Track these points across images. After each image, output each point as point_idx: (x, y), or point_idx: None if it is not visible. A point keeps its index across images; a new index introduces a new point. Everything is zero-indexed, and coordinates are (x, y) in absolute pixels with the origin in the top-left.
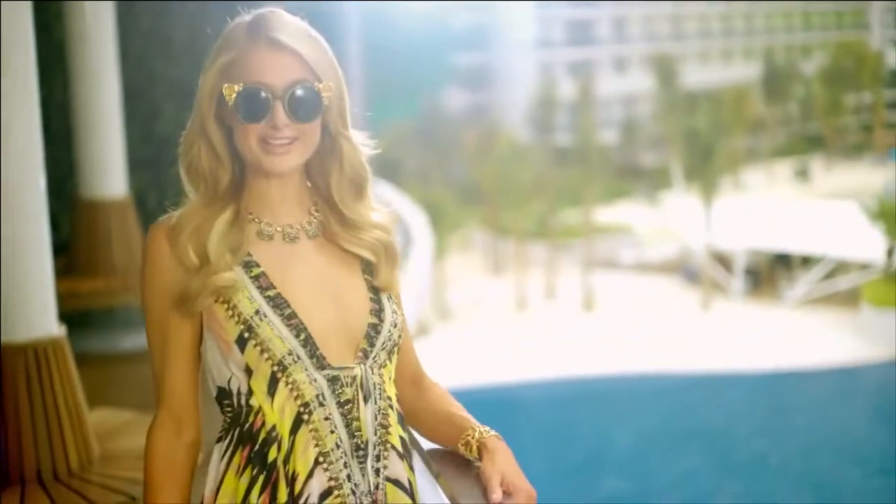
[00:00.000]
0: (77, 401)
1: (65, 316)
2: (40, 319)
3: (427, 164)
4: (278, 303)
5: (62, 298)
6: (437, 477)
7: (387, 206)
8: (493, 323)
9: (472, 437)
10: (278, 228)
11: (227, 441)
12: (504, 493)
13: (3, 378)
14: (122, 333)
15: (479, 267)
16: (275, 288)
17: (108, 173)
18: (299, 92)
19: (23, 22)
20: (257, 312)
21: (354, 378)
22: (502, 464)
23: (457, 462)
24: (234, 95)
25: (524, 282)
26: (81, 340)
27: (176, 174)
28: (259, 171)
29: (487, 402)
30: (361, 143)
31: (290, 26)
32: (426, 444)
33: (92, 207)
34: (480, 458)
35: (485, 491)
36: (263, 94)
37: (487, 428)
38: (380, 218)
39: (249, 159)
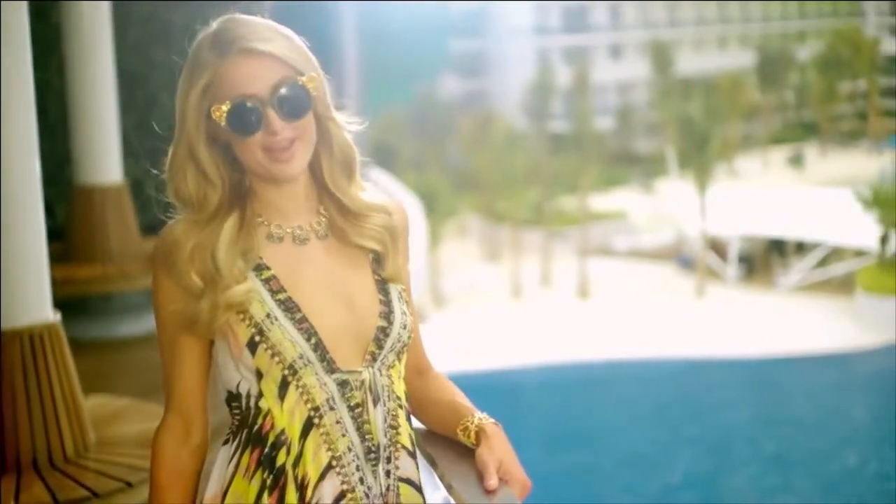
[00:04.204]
0: (72, 387)
1: (60, 302)
2: (36, 306)
3: (422, 150)
4: (289, 306)
5: (57, 285)
6: (430, 460)
7: (383, 192)
8: (488, 310)
9: (471, 423)
10: (288, 230)
11: (234, 443)
12: (500, 479)
13: None
14: (117, 320)
15: (475, 254)
16: (286, 291)
17: (104, 160)
18: (286, 92)
19: (18, 7)
20: (268, 316)
21: (363, 382)
22: (499, 451)
23: (453, 447)
24: (224, 115)
25: (519, 268)
26: (77, 327)
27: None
28: (267, 178)
29: (482, 388)
30: (347, 122)
31: (256, 29)
32: (419, 426)
33: (87, 194)
34: (478, 444)
35: (480, 477)
36: (252, 105)
37: (487, 415)
38: (377, 200)
39: (257, 171)
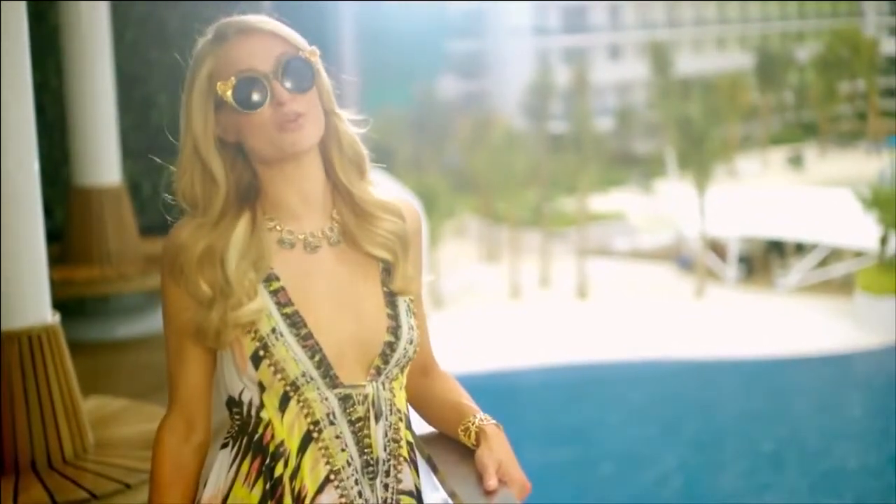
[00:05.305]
0: (71, 388)
1: (59, 304)
2: (34, 307)
3: (421, 151)
4: (295, 321)
5: (56, 286)
6: (430, 463)
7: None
8: (487, 310)
9: (472, 424)
10: (300, 237)
11: (234, 449)
12: (499, 481)
13: None
14: (116, 321)
15: (473, 254)
16: (293, 304)
17: (102, 161)
18: (289, 63)
19: (17, 8)
20: (274, 331)
21: (366, 397)
22: (499, 452)
23: (453, 448)
24: (230, 91)
25: (518, 269)
26: (75, 328)
27: (169, 162)
28: (277, 171)
29: (481, 389)
30: (350, 121)
31: (254, 18)
32: (417, 427)
33: (86, 195)
34: (478, 445)
35: (480, 477)
36: (257, 78)
37: (488, 416)
38: (390, 200)
39: (267, 150)
